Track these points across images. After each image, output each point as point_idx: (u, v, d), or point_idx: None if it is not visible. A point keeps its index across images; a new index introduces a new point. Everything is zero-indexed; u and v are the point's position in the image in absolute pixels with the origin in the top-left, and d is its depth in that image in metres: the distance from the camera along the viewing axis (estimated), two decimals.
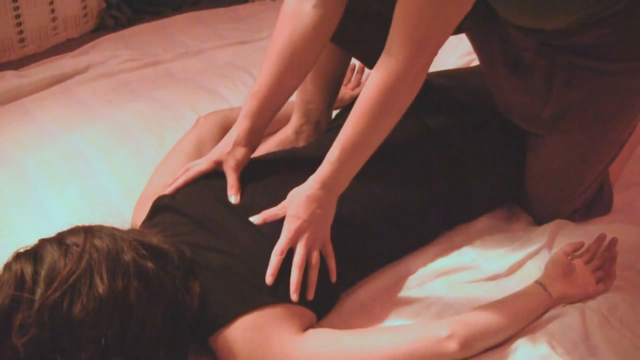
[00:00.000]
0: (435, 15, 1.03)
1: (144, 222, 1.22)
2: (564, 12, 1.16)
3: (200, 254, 1.11)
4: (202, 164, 1.26)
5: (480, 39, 1.38)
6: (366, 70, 1.79)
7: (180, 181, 1.25)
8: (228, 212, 1.19)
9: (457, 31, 1.24)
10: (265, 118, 1.29)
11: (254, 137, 1.28)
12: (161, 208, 1.22)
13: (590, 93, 1.25)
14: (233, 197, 1.21)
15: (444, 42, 1.08)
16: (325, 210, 1.15)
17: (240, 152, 1.26)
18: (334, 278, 1.17)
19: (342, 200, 1.18)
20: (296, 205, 1.13)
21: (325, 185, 1.13)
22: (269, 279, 1.08)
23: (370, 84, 1.09)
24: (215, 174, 1.26)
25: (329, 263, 1.16)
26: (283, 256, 1.10)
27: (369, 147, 1.13)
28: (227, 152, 1.26)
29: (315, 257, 1.13)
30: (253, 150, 1.30)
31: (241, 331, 1.05)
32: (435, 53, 1.09)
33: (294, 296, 1.09)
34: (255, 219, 1.16)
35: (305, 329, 1.11)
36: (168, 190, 1.25)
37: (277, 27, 1.27)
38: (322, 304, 1.17)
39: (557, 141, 1.34)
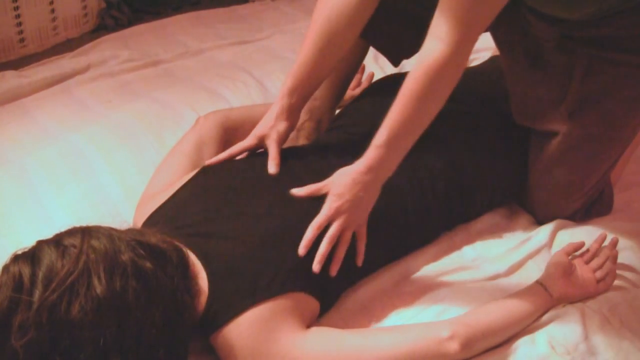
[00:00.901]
0: (482, 1, 1.05)
1: (159, 209, 1.23)
2: (593, 1, 1.16)
3: (212, 243, 1.12)
4: (247, 140, 1.33)
5: (503, 30, 1.38)
6: (366, 70, 1.79)
7: (223, 155, 1.31)
8: (243, 200, 1.20)
9: None
10: (303, 95, 1.34)
11: (294, 113, 1.34)
12: (178, 197, 1.24)
13: (608, 85, 1.26)
14: (273, 168, 1.26)
15: (487, 27, 1.10)
16: (369, 194, 1.16)
17: (282, 125, 1.32)
18: (360, 261, 1.19)
19: None
20: (341, 185, 1.15)
21: (372, 170, 1.14)
22: (302, 250, 1.11)
23: (417, 69, 1.10)
24: (239, 161, 1.30)
25: (359, 246, 1.18)
26: (319, 231, 1.13)
27: (416, 131, 1.14)
28: (270, 126, 1.31)
29: (347, 235, 1.15)
30: (293, 126, 1.35)
31: (247, 325, 1.05)
32: (479, 36, 1.10)
33: (316, 266, 1.11)
34: (297, 191, 1.20)
35: (309, 323, 1.11)
36: (209, 162, 1.31)
37: (316, 7, 1.31)
38: (327, 294, 1.17)
39: (567, 139, 1.34)
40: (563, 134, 1.34)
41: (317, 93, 1.48)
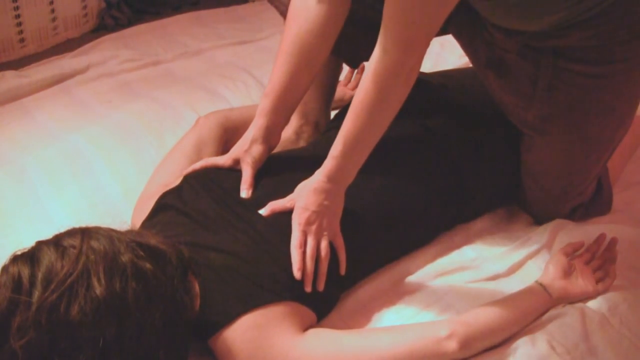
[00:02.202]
0: (422, 14, 1.05)
1: (145, 221, 1.22)
2: (547, 12, 1.16)
3: (201, 253, 1.12)
4: (222, 159, 1.31)
5: (465, 41, 1.39)
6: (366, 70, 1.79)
7: (198, 165, 1.30)
8: (230, 211, 1.20)
9: (441, 33, 1.26)
10: (282, 115, 1.32)
11: (270, 135, 1.31)
12: (163, 207, 1.23)
13: (574, 96, 1.26)
14: (244, 192, 1.24)
15: (433, 37, 1.10)
16: (333, 202, 1.17)
17: (257, 149, 1.29)
18: (343, 270, 1.18)
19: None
20: (304, 197, 1.16)
21: (332, 179, 1.15)
22: (297, 274, 1.11)
23: (365, 81, 1.11)
24: (225, 173, 1.28)
25: (340, 255, 1.18)
26: (303, 249, 1.13)
27: (370, 141, 1.15)
28: (245, 150, 1.29)
29: (324, 248, 1.15)
30: (271, 147, 1.33)
31: (242, 331, 1.05)
32: (426, 47, 1.10)
33: (308, 287, 1.11)
34: (263, 211, 1.19)
35: (306, 328, 1.11)
36: (185, 172, 1.29)
37: (285, 25, 1.29)
38: (323, 304, 1.17)
39: (546, 142, 1.35)
40: (538, 141, 1.35)
41: (306, 97, 1.48)
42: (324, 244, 1.15)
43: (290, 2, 1.29)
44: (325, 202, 1.15)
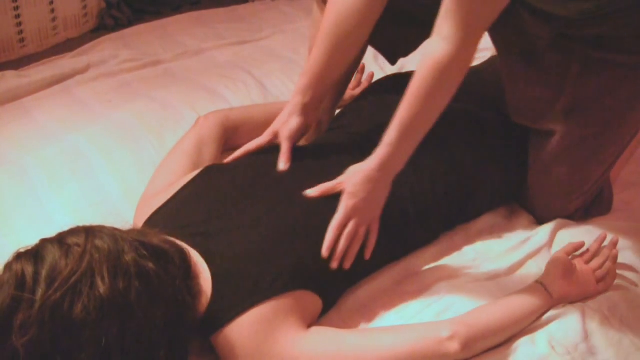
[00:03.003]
0: (484, 3, 1.06)
1: (161, 208, 1.23)
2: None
3: (215, 242, 1.12)
4: (262, 137, 1.34)
5: (498, 28, 1.38)
6: (366, 70, 1.79)
7: (239, 152, 1.33)
8: (243, 202, 1.21)
9: None
10: (318, 93, 1.36)
11: (308, 111, 1.35)
12: (175, 198, 1.24)
13: (604, 85, 1.26)
14: (282, 164, 1.28)
15: (489, 26, 1.11)
16: (381, 191, 1.19)
17: (295, 122, 1.34)
18: (368, 255, 1.21)
19: None
20: (354, 183, 1.17)
21: (384, 167, 1.17)
22: (325, 251, 1.14)
23: (422, 68, 1.12)
24: (240, 165, 1.31)
25: (371, 239, 1.21)
26: (340, 231, 1.15)
27: (424, 128, 1.16)
28: (283, 123, 1.33)
29: (362, 232, 1.18)
30: (308, 123, 1.36)
31: (249, 324, 1.05)
32: (482, 36, 1.12)
33: (335, 263, 1.14)
34: (311, 192, 1.21)
35: (311, 321, 1.12)
36: (227, 160, 1.33)
37: (326, 9, 1.32)
38: (330, 291, 1.18)
39: (564, 137, 1.34)
40: (560, 134, 1.34)
41: None
42: (362, 229, 1.18)
43: None
44: (374, 191, 1.17)
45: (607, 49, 1.23)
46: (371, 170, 1.17)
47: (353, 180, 1.18)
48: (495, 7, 1.07)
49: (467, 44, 1.09)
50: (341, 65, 1.37)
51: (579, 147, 1.34)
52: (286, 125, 1.33)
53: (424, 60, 1.12)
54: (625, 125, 1.33)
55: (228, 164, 1.32)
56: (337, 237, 1.16)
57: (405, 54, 1.55)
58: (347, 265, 1.17)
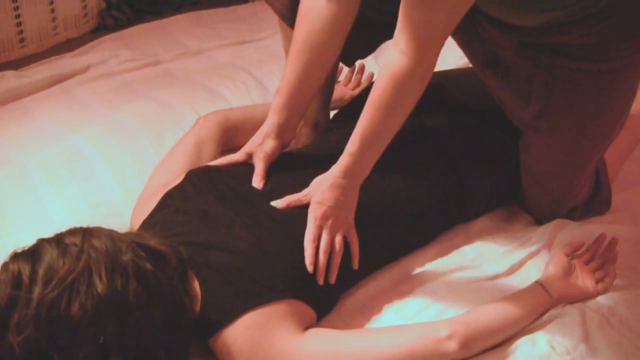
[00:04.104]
0: (438, 14, 1.05)
1: (146, 219, 1.22)
2: (547, 9, 1.17)
3: (201, 252, 1.12)
4: (236, 155, 1.33)
5: (461, 39, 1.39)
6: (366, 70, 1.79)
7: (211, 164, 1.32)
8: (231, 209, 1.20)
9: None
10: (295, 112, 1.34)
11: (283, 132, 1.33)
12: (164, 206, 1.23)
13: (571, 92, 1.26)
14: (257, 183, 1.26)
15: (448, 36, 1.11)
16: (349, 197, 1.18)
17: (270, 144, 1.31)
18: (356, 265, 1.20)
19: None
20: (320, 192, 1.17)
21: (348, 175, 1.17)
22: (309, 267, 1.13)
23: (381, 79, 1.12)
24: (227, 170, 1.30)
25: (353, 249, 1.20)
26: (316, 243, 1.15)
27: (385, 138, 1.17)
28: (257, 145, 1.31)
29: (339, 241, 1.17)
30: (284, 143, 1.34)
31: (242, 330, 1.05)
32: (441, 46, 1.11)
33: (321, 280, 1.13)
34: (277, 203, 1.21)
35: (306, 328, 1.11)
36: (196, 169, 1.31)
37: (296, 24, 1.31)
38: (324, 302, 1.17)
39: (543, 141, 1.35)
40: (536, 140, 1.35)
41: None
42: (338, 238, 1.17)
43: (301, 1, 1.30)
44: (341, 197, 1.17)
45: (571, 57, 1.23)
46: (335, 177, 1.17)
47: (319, 189, 1.18)
48: (449, 17, 1.06)
49: (423, 56, 1.08)
50: (316, 81, 1.34)
51: (558, 150, 1.35)
52: (261, 147, 1.31)
53: (383, 71, 1.12)
54: (598, 131, 1.32)
55: (210, 169, 1.30)
56: (315, 249, 1.15)
57: (362, 56, 1.56)
58: (332, 279, 1.16)
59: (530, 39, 1.24)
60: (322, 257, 1.15)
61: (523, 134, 1.38)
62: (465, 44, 1.39)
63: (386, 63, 1.11)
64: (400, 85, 1.10)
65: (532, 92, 1.28)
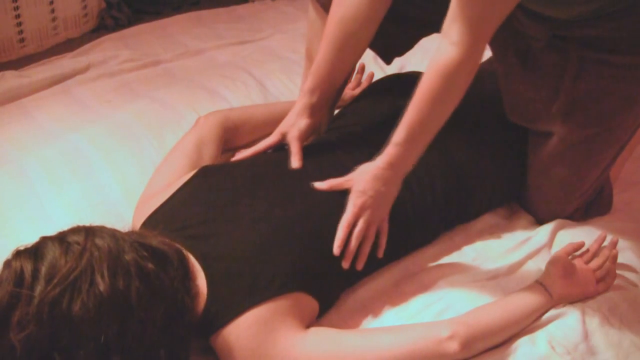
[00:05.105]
0: (492, 8, 1.06)
1: (152, 214, 1.22)
2: (579, 2, 1.17)
3: (207, 245, 1.12)
4: (270, 138, 1.37)
5: None
6: (366, 70, 1.79)
7: (248, 152, 1.35)
8: (241, 202, 1.20)
9: None
10: (325, 94, 1.37)
11: (315, 111, 1.38)
12: (172, 198, 1.24)
13: (601, 86, 1.26)
14: (295, 162, 1.30)
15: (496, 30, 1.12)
16: (390, 190, 1.20)
17: (303, 122, 1.36)
18: (381, 254, 1.22)
19: (343, 201, 1.19)
20: (363, 181, 1.18)
21: (393, 166, 1.17)
22: (336, 249, 1.15)
23: (430, 71, 1.12)
24: (239, 165, 1.32)
25: (381, 239, 1.22)
26: (350, 229, 1.16)
27: (433, 129, 1.17)
28: (290, 124, 1.35)
29: (372, 231, 1.19)
30: (316, 122, 1.38)
31: (246, 326, 1.05)
32: (489, 39, 1.12)
33: (346, 264, 1.16)
34: (320, 185, 1.22)
35: (308, 324, 1.11)
36: (234, 159, 1.35)
37: (331, 10, 1.34)
38: (327, 294, 1.18)
39: (562, 138, 1.34)
40: (558, 135, 1.35)
41: None
42: (372, 228, 1.19)
43: None
44: (383, 189, 1.18)
45: (602, 50, 1.23)
46: (379, 168, 1.17)
47: (362, 178, 1.19)
48: (503, 10, 1.07)
49: (475, 48, 1.10)
50: (347, 65, 1.38)
51: (577, 148, 1.34)
52: (294, 126, 1.35)
53: (433, 64, 1.12)
54: (622, 125, 1.32)
55: (225, 164, 1.33)
56: (347, 234, 1.16)
57: (400, 53, 1.56)
58: (360, 266, 1.18)
59: (563, 31, 1.25)
60: (354, 241, 1.17)
61: (534, 134, 1.38)
62: (496, 35, 1.38)
63: (436, 56, 1.12)
64: (450, 77, 1.11)
65: (561, 85, 1.28)
